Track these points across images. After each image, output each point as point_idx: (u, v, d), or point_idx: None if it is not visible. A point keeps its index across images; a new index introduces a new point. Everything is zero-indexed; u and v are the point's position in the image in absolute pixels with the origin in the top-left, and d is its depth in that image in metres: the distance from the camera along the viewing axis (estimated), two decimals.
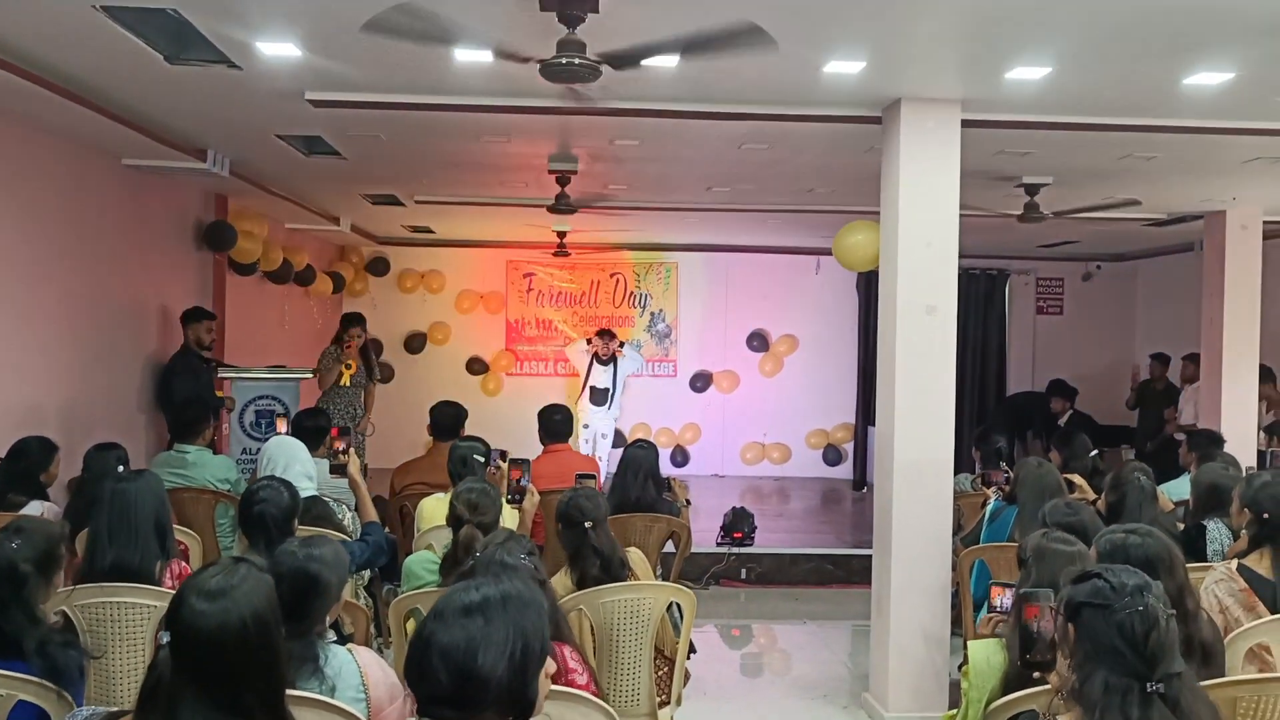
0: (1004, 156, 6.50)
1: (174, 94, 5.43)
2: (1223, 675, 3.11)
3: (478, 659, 1.91)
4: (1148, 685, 2.23)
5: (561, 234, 11.06)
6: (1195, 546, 4.69)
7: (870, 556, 5.79)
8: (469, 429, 6.46)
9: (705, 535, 8.25)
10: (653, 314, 13.12)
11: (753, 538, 8.52)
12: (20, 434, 5.27)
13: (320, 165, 7.29)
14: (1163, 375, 10.95)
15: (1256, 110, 5.46)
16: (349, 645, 2.88)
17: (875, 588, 5.65)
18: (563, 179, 7.37)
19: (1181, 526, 5.00)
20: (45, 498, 5.12)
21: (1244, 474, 4.77)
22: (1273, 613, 3.66)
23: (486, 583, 2.04)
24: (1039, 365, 12.83)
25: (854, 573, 8.10)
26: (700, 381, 13.02)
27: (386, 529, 5.35)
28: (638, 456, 5.87)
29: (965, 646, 3.17)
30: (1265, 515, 3.82)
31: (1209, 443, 6.35)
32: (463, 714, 1.92)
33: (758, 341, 13.00)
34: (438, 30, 4.14)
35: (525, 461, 4.86)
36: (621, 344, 11.30)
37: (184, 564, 3.92)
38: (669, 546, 5.95)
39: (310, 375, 8.24)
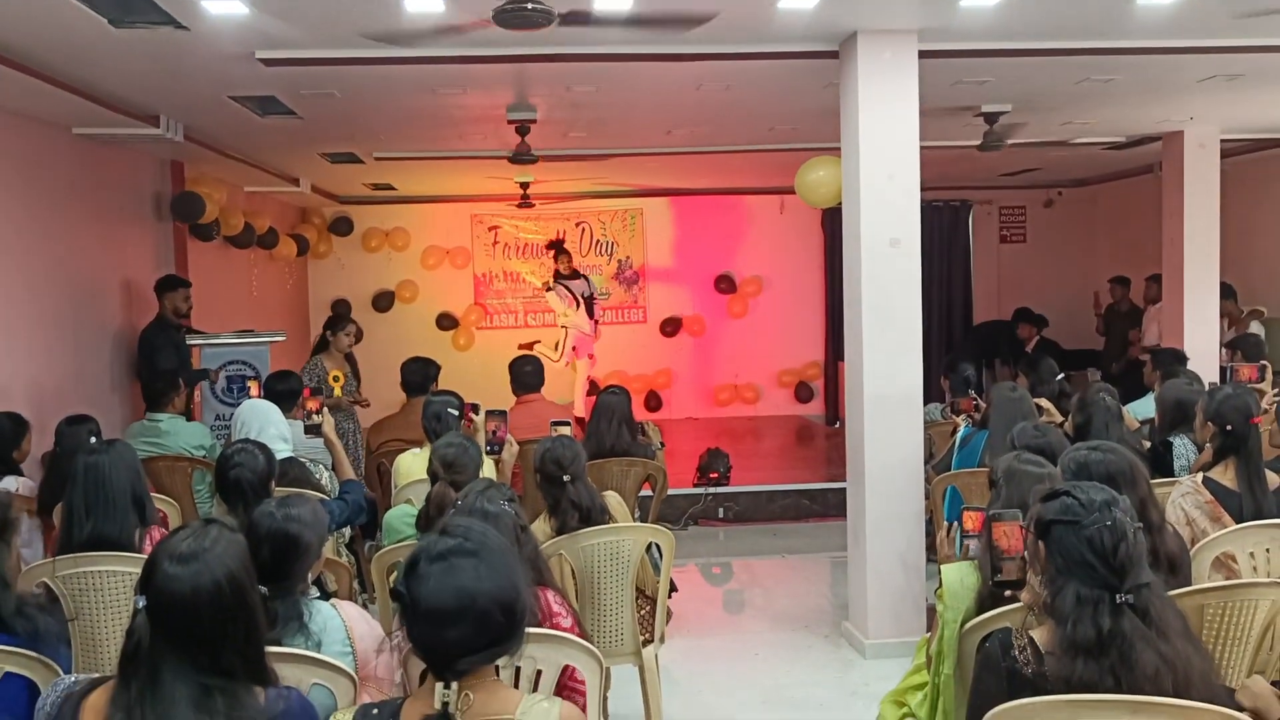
0: (962, 86, 6.50)
1: (121, 59, 5.33)
2: (1189, 585, 3.20)
3: (475, 597, 1.96)
4: (1117, 596, 2.30)
5: (525, 185, 10.98)
6: (1162, 462, 4.78)
7: (845, 489, 5.87)
8: (442, 385, 6.47)
9: (682, 478, 8.32)
10: (620, 261, 13.10)
11: (729, 478, 8.60)
12: None
13: (276, 126, 7.20)
14: (1125, 297, 11.06)
15: (1210, 28, 5.48)
16: (333, 600, 2.91)
17: (851, 519, 5.73)
18: (522, 129, 7.30)
19: (1148, 444, 5.09)
20: (19, 473, 5.11)
21: (1207, 389, 4.87)
22: (1238, 522, 3.76)
23: (451, 534, 2.07)
24: (1004, 294, 12.92)
25: (830, 506, 8.20)
26: (670, 326, 13.04)
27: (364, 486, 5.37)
28: (611, 402, 5.91)
29: (940, 571, 3.23)
30: (1229, 427, 3.90)
31: (1172, 360, 6.45)
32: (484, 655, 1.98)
33: (725, 284, 13.01)
34: None
35: (502, 413, 4.89)
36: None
37: (163, 531, 3.92)
38: (646, 491, 6.01)
39: (281, 338, 8.17)
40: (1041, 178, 12.11)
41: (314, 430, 4.77)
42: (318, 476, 5.05)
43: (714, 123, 7.78)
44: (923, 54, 5.38)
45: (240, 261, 10.16)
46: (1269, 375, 4.88)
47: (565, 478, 4.11)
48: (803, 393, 13.16)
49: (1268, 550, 3.69)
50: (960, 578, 3.08)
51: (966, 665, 2.94)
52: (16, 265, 6.23)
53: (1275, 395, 4.95)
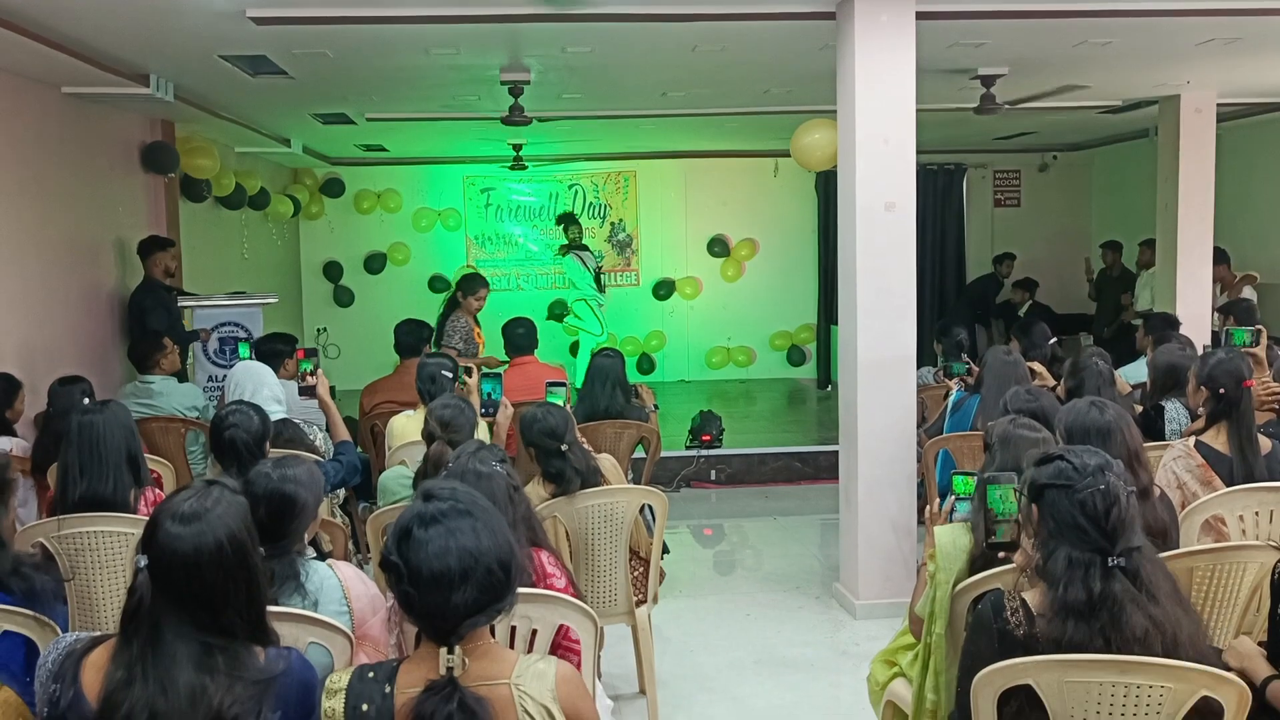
0: (959, 49, 6.46)
1: (111, 17, 5.27)
2: (1177, 549, 3.23)
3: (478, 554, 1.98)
4: (1109, 559, 2.32)
5: (518, 147, 10.92)
6: (1154, 427, 4.80)
7: (837, 452, 5.90)
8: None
9: (674, 440, 8.35)
10: (613, 224, 13.06)
11: (721, 440, 8.63)
12: None
13: (267, 85, 7.13)
14: (1117, 262, 11.07)
15: None
16: (329, 560, 2.92)
17: (843, 482, 5.76)
18: (515, 90, 7.25)
19: (1140, 408, 5.11)
20: (12, 434, 5.11)
21: (1199, 354, 4.88)
22: (1229, 486, 3.78)
23: (439, 497, 2.08)
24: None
25: (821, 469, 8.25)
26: (663, 289, 13.03)
27: (358, 448, 5.38)
28: (604, 365, 5.92)
29: (931, 534, 3.25)
30: (1221, 391, 3.91)
31: (1164, 325, 6.46)
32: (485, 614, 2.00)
33: (719, 247, 12.98)
34: None
35: (497, 376, 4.89)
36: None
37: (159, 492, 3.93)
38: (639, 453, 6.03)
39: (273, 300, 8.15)
40: (1037, 141, 12.07)
41: (308, 391, 4.77)
42: (311, 437, 5.05)
43: (709, 85, 7.73)
44: (920, 15, 5.34)
45: (231, 222, 10.11)
46: (1263, 339, 4.88)
47: (562, 447, 4.11)
48: (795, 356, 13.18)
49: (1256, 513, 3.72)
50: (953, 539, 3.10)
51: (958, 626, 2.97)
52: (7, 225, 6.19)
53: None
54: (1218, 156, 8.55)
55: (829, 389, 12.16)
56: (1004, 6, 5.54)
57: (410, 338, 6.47)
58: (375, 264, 12.81)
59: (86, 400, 4.81)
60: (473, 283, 7.64)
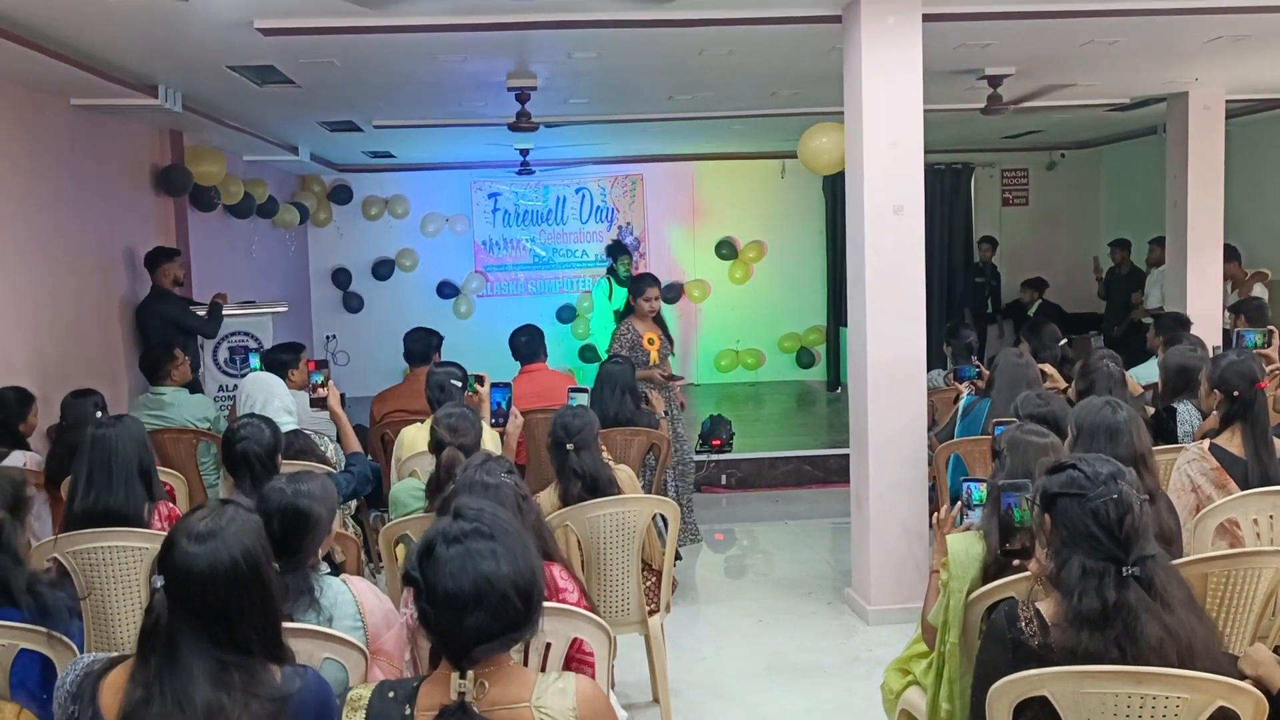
0: (965, 50, 6.45)
1: (119, 29, 5.29)
2: (1182, 555, 3.23)
3: (496, 580, 1.97)
4: (1123, 568, 2.31)
5: (524, 151, 10.94)
6: (1166, 429, 4.79)
7: (847, 455, 5.88)
8: (444, 353, 6.49)
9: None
10: (620, 227, 13.06)
11: (731, 444, 8.62)
12: None
13: (275, 95, 7.15)
14: (1125, 260, 11.04)
15: None
16: (343, 576, 2.93)
17: (854, 486, 5.75)
18: (522, 96, 7.26)
19: (1151, 410, 5.10)
20: (26, 447, 5.12)
21: (1210, 354, 4.87)
22: (1244, 489, 3.77)
23: (465, 516, 2.07)
24: (1006, 257, 12.89)
25: (832, 472, 8.23)
26: (671, 292, 13.00)
27: (369, 456, 5.39)
28: (614, 372, 5.91)
29: (943, 539, 3.25)
30: (1235, 393, 3.90)
31: (1176, 325, 6.44)
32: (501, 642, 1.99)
33: (727, 249, 12.98)
34: None
35: (506, 385, 4.88)
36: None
37: (171, 505, 3.94)
38: (650, 458, 6.03)
39: (283, 309, 8.17)
40: (1044, 139, 12.05)
41: (319, 403, 4.77)
42: (323, 448, 5.06)
43: (716, 88, 7.73)
44: (926, 17, 5.33)
45: (240, 230, 10.13)
46: (1275, 340, 4.86)
47: (569, 445, 4.13)
48: (804, 358, 13.17)
49: (1271, 516, 3.70)
50: (965, 547, 3.09)
51: (971, 634, 2.97)
52: (17, 237, 6.21)
53: None
54: (1227, 153, 8.52)
55: (839, 391, 12.14)
56: (1011, 8, 5.53)
57: (420, 345, 6.47)
58: (383, 270, 12.83)
59: (99, 413, 4.83)
60: (640, 283, 6.94)
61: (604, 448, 4.50)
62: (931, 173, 11.58)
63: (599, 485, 4.16)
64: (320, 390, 4.76)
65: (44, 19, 5.06)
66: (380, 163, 12.04)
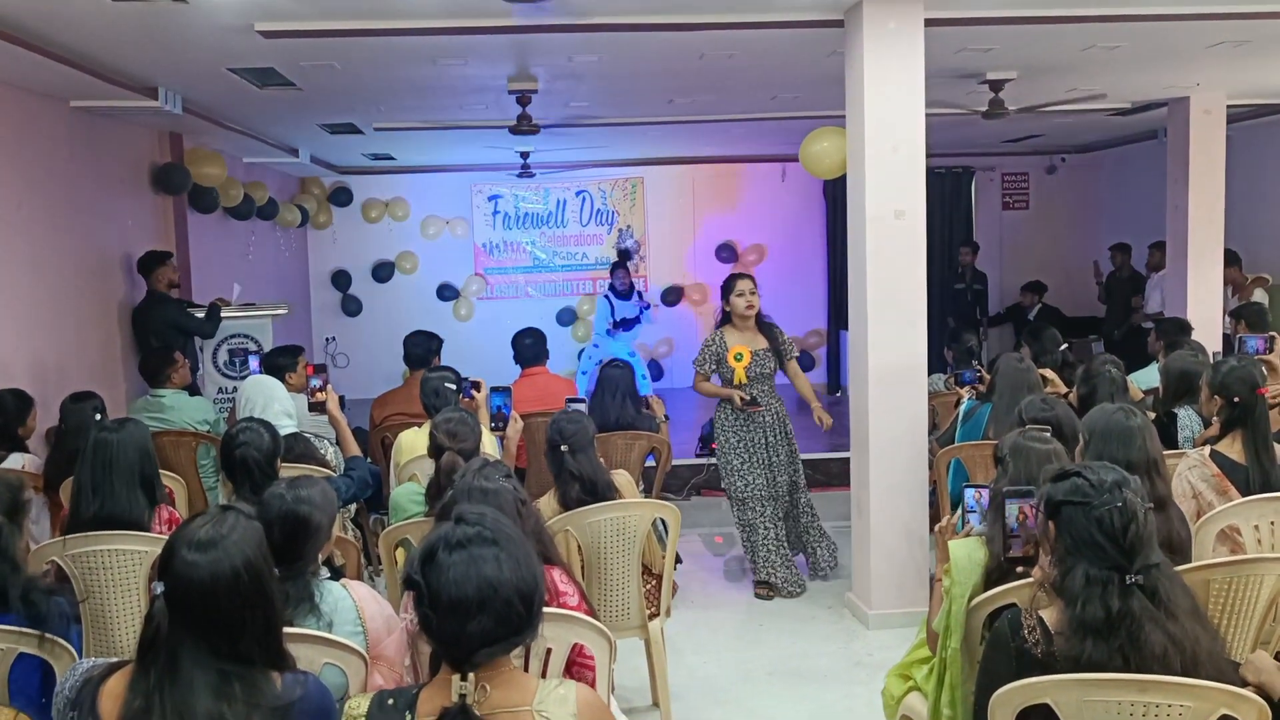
0: (966, 54, 6.45)
1: (119, 31, 5.29)
2: (1189, 561, 3.22)
3: (498, 586, 1.97)
4: (1127, 577, 2.30)
5: (525, 154, 10.93)
6: (1167, 434, 4.78)
7: (848, 459, 5.88)
8: (444, 356, 6.48)
9: (684, 448, 8.34)
10: (620, 230, 13.05)
11: None
12: None
13: (275, 97, 7.15)
14: (1125, 264, 11.04)
15: None
16: (343, 581, 2.92)
17: (854, 489, 5.75)
18: (523, 99, 7.26)
19: (1152, 415, 5.09)
20: (25, 450, 5.11)
21: (1211, 360, 4.86)
22: (1245, 495, 3.76)
23: (468, 521, 2.07)
24: (1006, 261, 12.90)
25: (832, 476, 8.21)
26: (671, 295, 13.02)
27: (369, 460, 5.38)
28: (614, 376, 5.91)
29: (944, 544, 3.24)
30: (1236, 399, 3.90)
31: (1177, 330, 6.44)
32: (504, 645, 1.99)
33: (726, 253, 12.97)
34: None
35: (506, 389, 4.89)
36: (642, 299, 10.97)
37: (172, 509, 3.93)
38: (650, 462, 6.03)
39: (283, 311, 8.15)
40: (1045, 143, 12.05)
41: (318, 408, 4.77)
42: (322, 451, 5.06)
43: (717, 91, 7.73)
44: (928, 22, 5.33)
45: (239, 233, 10.12)
46: (1277, 346, 4.86)
47: (564, 448, 4.13)
48: (804, 361, 13.10)
49: (1272, 523, 3.70)
50: (968, 553, 3.08)
51: (973, 640, 2.96)
52: (16, 239, 6.20)
53: None
54: (1228, 158, 8.53)
55: (839, 394, 12.13)
56: (1012, 13, 5.52)
57: (420, 349, 6.47)
58: (383, 273, 12.82)
59: (99, 416, 4.82)
60: (730, 282, 6.12)
61: (601, 457, 4.49)
62: (932, 176, 11.53)
63: (597, 488, 4.16)
64: (319, 395, 4.75)
65: (43, 21, 5.05)
66: (380, 165, 12.03)
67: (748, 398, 5.89)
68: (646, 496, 5.44)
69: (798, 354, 6.28)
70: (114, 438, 3.68)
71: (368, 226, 12.78)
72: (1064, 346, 6.50)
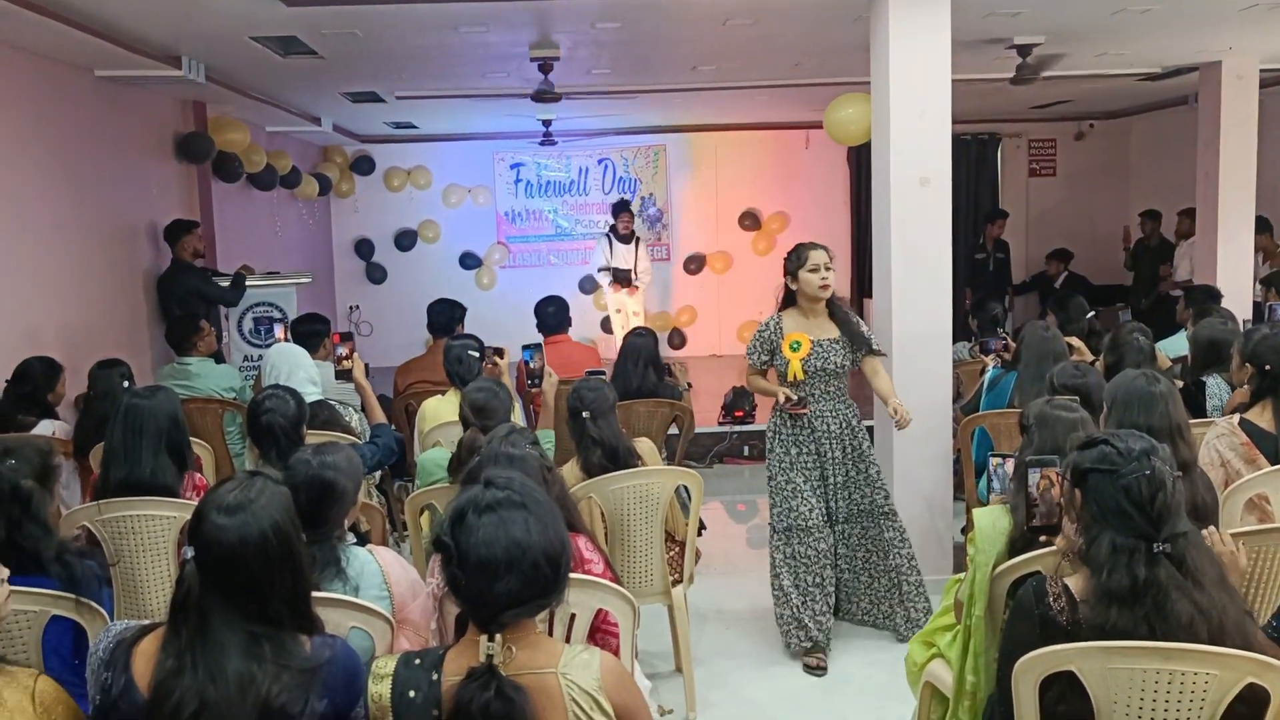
0: (994, 19, 6.37)
1: (143, 1, 5.29)
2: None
3: (526, 546, 1.99)
4: (1154, 545, 2.29)
5: (547, 122, 10.89)
6: (1195, 403, 4.74)
7: (872, 427, 5.86)
8: (467, 325, 6.49)
9: (707, 416, 8.34)
10: (643, 198, 13.00)
11: (754, 415, 8.61)
12: (19, 357, 5.29)
13: (297, 66, 7.15)
14: (1155, 231, 10.92)
15: None
16: (369, 546, 2.94)
17: (878, 457, 5.72)
18: (545, 66, 7.23)
19: (1181, 384, 5.05)
20: (55, 417, 5.17)
21: (1241, 328, 4.82)
22: (1273, 464, 3.73)
23: (497, 485, 2.09)
24: (1032, 229, 12.78)
25: None
26: (694, 263, 12.99)
27: (393, 426, 5.40)
28: (637, 344, 5.91)
29: (968, 512, 3.23)
30: (1267, 368, 3.86)
31: (1206, 298, 6.37)
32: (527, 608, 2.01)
33: (749, 220, 12.91)
34: None
35: (538, 345, 4.85)
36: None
37: (199, 475, 3.97)
38: (673, 429, 6.03)
39: (307, 280, 8.18)
40: (1073, 109, 11.90)
41: (344, 375, 4.79)
42: (347, 419, 5.09)
43: (740, 58, 7.67)
44: None
45: (263, 202, 10.15)
46: None
47: (585, 414, 4.14)
48: None
49: None
50: (992, 521, 3.08)
51: (997, 608, 2.96)
52: (43, 208, 6.25)
53: None
54: (1260, 123, 8.39)
55: None
56: None
57: (443, 317, 6.48)
58: (406, 241, 12.84)
59: (126, 383, 4.86)
60: (800, 253, 4.89)
61: (623, 424, 4.48)
62: (957, 143, 11.39)
63: (618, 454, 4.16)
64: (345, 362, 4.77)
65: None
66: (402, 133, 12.03)
67: (794, 396, 4.73)
68: (669, 464, 5.45)
69: (879, 348, 4.89)
70: (145, 404, 3.71)
71: (390, 195, 12.79)
72: (1090, 315, 6.45)
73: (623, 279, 10.62)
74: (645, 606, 4.27)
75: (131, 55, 6.25)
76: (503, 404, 3.97)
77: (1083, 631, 2.32)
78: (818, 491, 4.80)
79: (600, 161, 12.93)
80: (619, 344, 6.15)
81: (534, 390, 4.76)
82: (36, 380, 5.17)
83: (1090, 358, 5.51)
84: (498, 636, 1.97)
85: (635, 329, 6.26)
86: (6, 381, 5.21)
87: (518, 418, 4.41)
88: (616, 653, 2.93)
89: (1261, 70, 8.38)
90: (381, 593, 2.83)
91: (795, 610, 4.73)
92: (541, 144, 11.55)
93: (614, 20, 6.23)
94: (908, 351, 5.40)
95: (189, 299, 7.23)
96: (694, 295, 13.04)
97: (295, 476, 2.77)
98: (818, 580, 4.73)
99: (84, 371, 5.31)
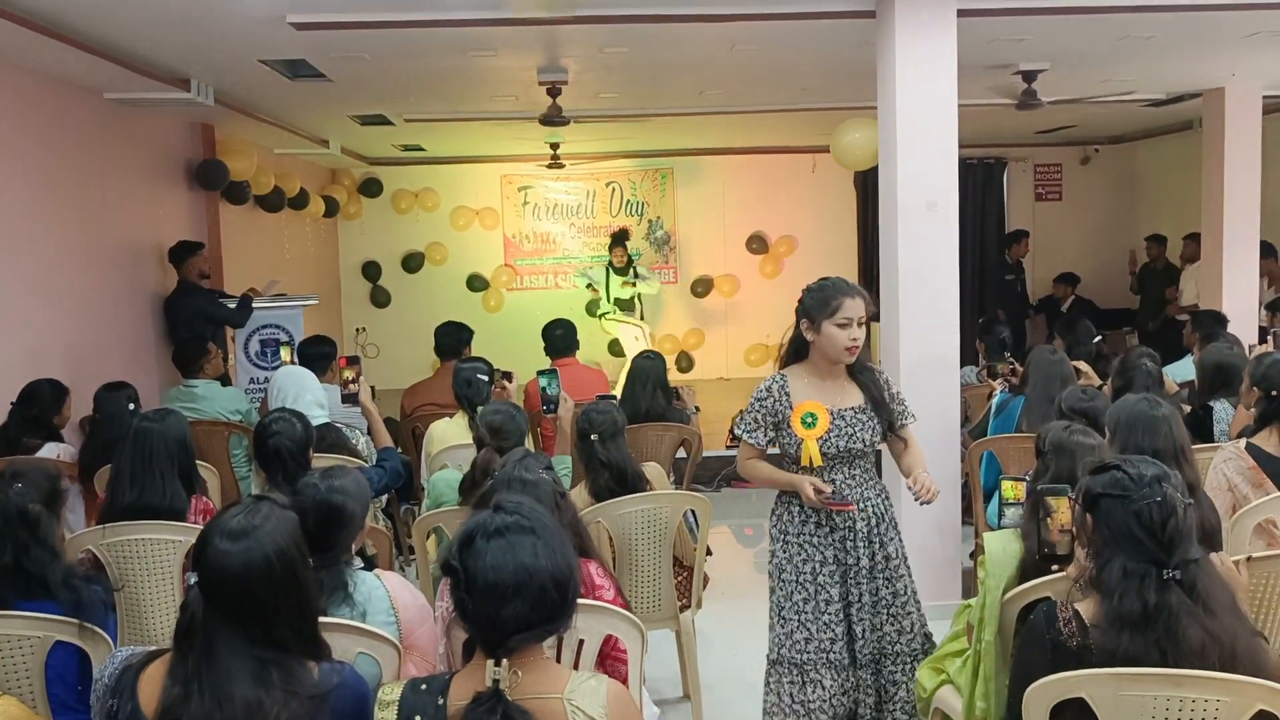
0: (999, 44, 6.39)
1: (152, 23, 5.33)
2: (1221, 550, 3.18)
3: (533, 572, 1.99)
4: (1165, 571, 2.28)
5: (555, 145, 10.93)
6: (1202, 427, 4.73)
7: (880, 452, 5.83)
8: (474, 347, 6.50)
9: (715, 439, 8.32)
10: (650, 221, 13.03)
11: None
12: (24, 378, 5.29)
13: (306, 88, 7.19)
14: (1161, 255, 10.93)
15: None
16: (376, 571, 2.93)
17: (886, 482, 5.70)
18: (553, 90, 7.26)
19: (1188, 408, 5.04)
20: (60, 439, 5.17)
21: (1247, 352, 4.81)
22: None
23: (506, 510, 2.08)
24: (1039, 253, 12.77)
25: None
26: (701, 287, 12.99)
27: (400, 450, 5.40)
28: (645, 367, 5.91)
29: (977, 536, 3.22)
30: (1275, 393, 3.85)
31: (1213, 323, 6.37)
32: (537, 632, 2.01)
33: (757, 244, 12.93)
34: None
35: (553, 371, 4.82)
36: (634, 269, 10.92)
37: (206, 499, 3.96)
38: (681, 453, 6.02)
39: (313, 302, 8.19)
40: (1078, 134, 11.92)
41: (351, 399, 4.79)
42: (354, 442, 5.08)
43: (747, 83, 7.70)
44: (961, 12, 5.29)
45: (270, 224, 10.19)
46: None
47: (593, 437, 4.13)
48: None
49: None
50: (1003, 545, 3.06)
51: (1007, 633, 2.94)
52: (51, 230, 6.27)
53: None
54: (1264, 149, 8.41)
55: None
56: (1046, 3, 5.48)
57: (450, 340, 6.49)
58: (413, 263, 12.87)
59: (133, 407, 4.87)
60: (819, 297, 3.84)
61: (632, 448, 4.47)
62: (964, 166, 11.42)
63: (626, 477, 4.15)
64: (352, 386, 4.77)
65: (77, 13, 5.10)
66: (410, 156, 12.08)
67: (828, 490, 3.52)
68: (677, 488, 5.44)
69: (912, 416, 3.81)
70: (155, 428, 3.71)
71: (397, 217, 12.83)
72: (1097, 339, 6.45)
73: (626, 308, 10.68)
74: (653, 632, 4.25)
75: (140, 77, 6.29)
76: (519, 427, 3.97)
77: (1094, 657, 2.30)
78: (840, 617, 3.59)
79: (608, 184, 12.97)
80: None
81: (548, 416, 4.74)
82: (44, 402, 5.17)
83: (1098, 382, 5.50)
84: (504, 661, 1.96)
85: (644, 352, 6.27)
86: (12, 404, 5.20)
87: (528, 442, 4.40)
88: (625, 680, 2.91)
89: (1265, 97, 8.40)
90: (389, 618, 2.82)
91: None
92: (549, 167, 11.59)
93: (622, 45, 6.26)
94: (915, 375, 5.39)
95: (195, 320, 7.24)
96: (701, 318, 13.04)
97: (303, 501, 2.76)
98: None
99: (88, 394, 5.31)
